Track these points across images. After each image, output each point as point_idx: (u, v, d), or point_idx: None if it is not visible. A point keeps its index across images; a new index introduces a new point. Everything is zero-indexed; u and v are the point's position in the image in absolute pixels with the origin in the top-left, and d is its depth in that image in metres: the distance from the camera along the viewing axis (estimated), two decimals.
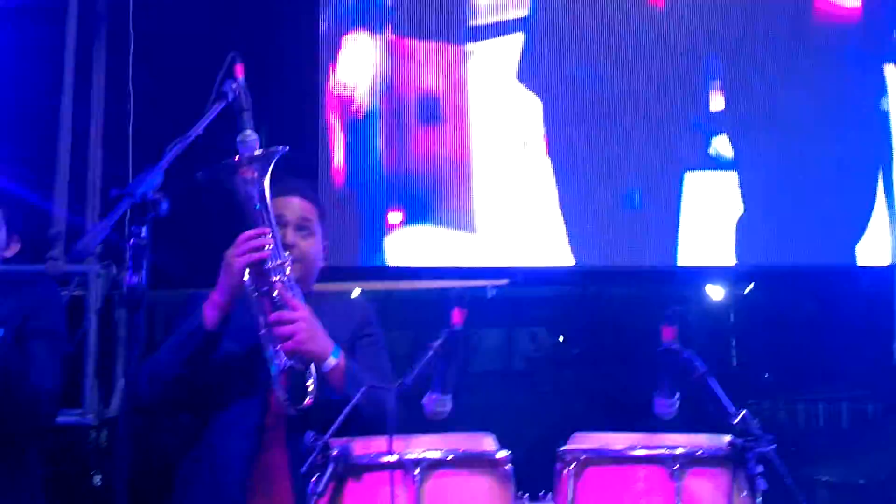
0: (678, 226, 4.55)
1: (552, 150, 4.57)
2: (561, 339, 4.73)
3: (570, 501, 1.94)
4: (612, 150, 4.58)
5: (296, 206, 2.36)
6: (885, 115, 4.60)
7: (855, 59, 4.62)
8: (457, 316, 1.90)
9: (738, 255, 4.58)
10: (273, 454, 2.21)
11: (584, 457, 1.96)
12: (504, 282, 4.59)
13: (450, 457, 1.86)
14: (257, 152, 2.17)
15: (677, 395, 2.04)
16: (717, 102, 4.66)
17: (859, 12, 4.65)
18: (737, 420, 1.91)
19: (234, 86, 2.20)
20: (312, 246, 2.38)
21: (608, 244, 4.56)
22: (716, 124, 4.65)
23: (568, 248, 4.51)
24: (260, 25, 4.46)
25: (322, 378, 2.15)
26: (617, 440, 1.97)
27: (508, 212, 4.51)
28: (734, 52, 4.62)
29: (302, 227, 2.36)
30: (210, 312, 2.15)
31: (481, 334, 4.71)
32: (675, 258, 4.54)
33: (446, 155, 4.57)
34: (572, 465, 1.96)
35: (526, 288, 4.64)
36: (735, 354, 5.01)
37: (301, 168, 2.29)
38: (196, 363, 2.15)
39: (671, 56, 4.62)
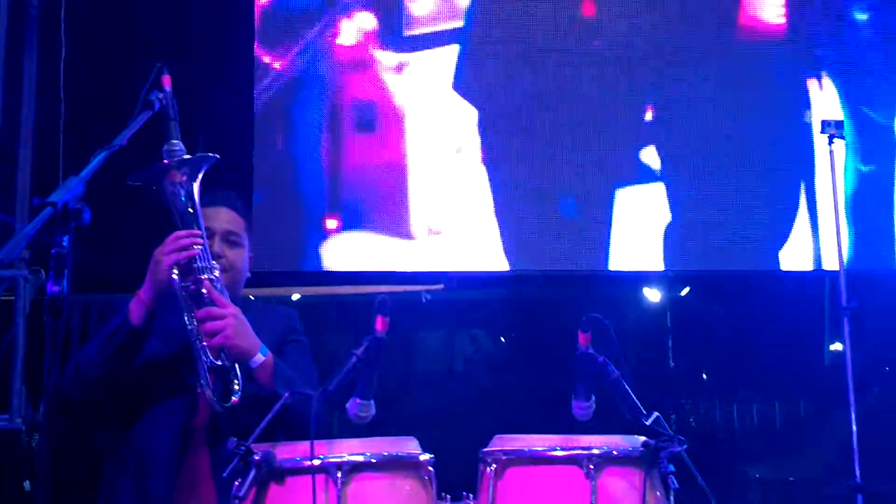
0: (610, 232, 4.66)
1: (487, 158, 4.65)
2: (502, 339, 4.81)
3: (491, 501, 1.99)
4: (545, 158, 4.68)
5: (223, 216, 2.39)
6: (807, 128, 4.76)
7: (779, 73, 4.78)
8: (379, 323, 1.95)
9: (667, 261, 4.69)
10: (198, 456, 2.23)
11: (504, 458, 2.02)
12: (439, 286, 4.65)
13: (372, 460, 1.90)
14: (187, 157, 2.20)
15: (593, 398, 2.11)
16: (647, 114, 4.78)
17: (783, 28, 4.80)
18: (650, 421, 1.98)
19: (160, 96, 2.22)
20: (240, 256, 2.41)
21: (542, 250, 4.65)
22: (645, 135, 4.78)
23: (503, 254, 4.59)
24: (196, 30, 4.46)
25: (249, 375, 2.17)
26: (536, 441, 2.03)
27: (444, 218, 4.57)
28: (663, 65, 4.74)
29: (229, 237, 2.38)
30: (136, 309, 2.17)
31: (415, 338, 4.76)
32: (606, 263, 4.65)
33: (382, 162, 4.62)
34: (493, 466, 2.02)
35: (462, 292, 4.70)
36: (671, 356, 5.13)
37: (233, 175, 2.32)
38: (121, 360, 2.16)
39: (603, 67, 4.73)
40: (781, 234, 4.73)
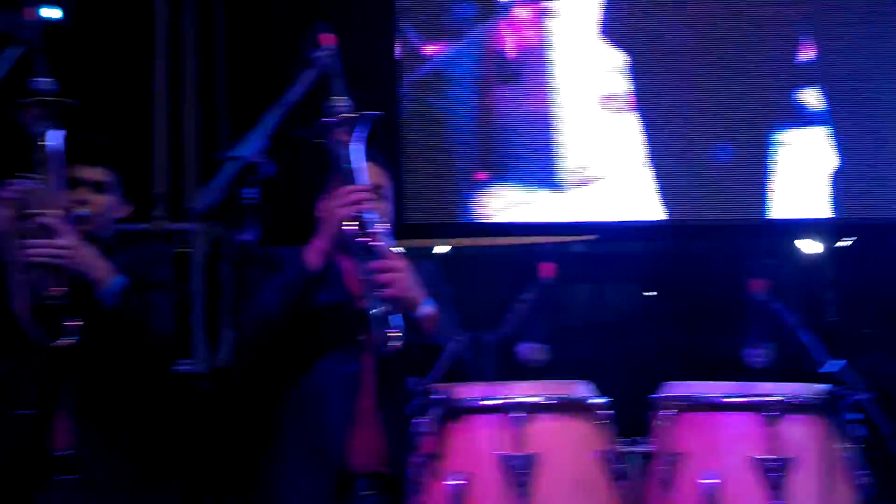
0: (768, 179, 4.50)
1: (639, 105, 4.55)
2: (651, 294, 4.73)
3: (665, 447, 1.99)
4: (699, 103, 4.54)
5: (373, 172, 2.45)
6: None
7: None
8: (546, 270, 1.96)
9: (832, 209, 4.50)
10: (366, 398, 2.33)
11: (679, 403, 2.01)
12: (593, 237, 4.61)
13: (551, 402, 1.93)
14: (353, 115, 2.25)
15: (767, 345, 2.07)
16: (808, 53, 4.56)
17: None
18: (831, 370, 1.93)
19: (324, 52, 2.27)
20: (386, 208, 2.47)
21: (697, 198, 4.54)
22: (806, 74, 4.56)
23: (657, 203, 4.50)
24: None
25: (413, 324, 2.24)
26: (710, 388, 2.01)
27: (595, 167, 4.52)
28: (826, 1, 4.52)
29: (378, 190, 2.45)
30: (313, 257, 2.27)
31: (571, 289, 4.75)
32: (765, 212, 4.50)
33: (530, 113, 4.59)
34: (669, 412, 2.01)
35: (616, 242, 4.66)
36: (831, 308, 4.93)
37: (382, 129, 2.35)
38: (298, 306, 2.26)
39: (761, 5, 4.54)
40: None
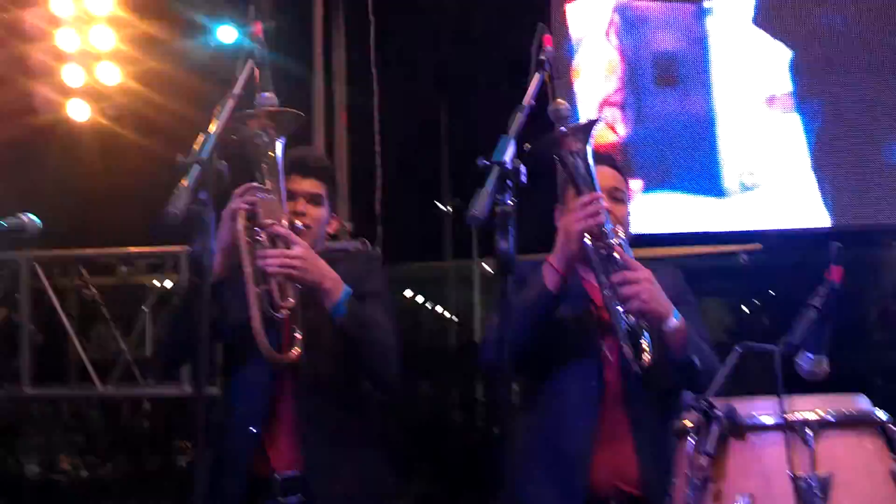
0: None
1: (800, 105, 4.36)
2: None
3: None
4: (867, 101, 4.34)
5: (608, 174, 2.34)
6: None
7: None
8: (835, 273, 1.82)
9: None
10: (613, 414, 2.21)
11: None
12: (757, 246, 4.43)
13: (836, 417, 1.78)
14: (581, 122, 2.16)
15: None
16: None
17: None
18: None
19: (547, 55, 2.19)
20: (624, 212, 2.36)
21: (867, 203, 4.32)
22: None
23: (823, 209, 4.30)
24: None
25: (661, 338, 2.11)
26: None
27: (758, 172, 4.34)
28: None
29: (615, 193, 2.33)
30: (551, 277, 2.17)
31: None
32: None
33: (687, 116, 4.44)
34: None
35: (782, 251, 4.46)
36: None
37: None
38: (540, 327, 2.16)
39: None
40: None
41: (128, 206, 5.07)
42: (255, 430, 2.23)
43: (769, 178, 4.35)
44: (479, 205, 1.74)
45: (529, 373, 2.29)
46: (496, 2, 4.49)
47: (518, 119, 2.00)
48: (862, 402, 1.86)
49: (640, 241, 4.40)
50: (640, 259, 2.25)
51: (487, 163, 1.82)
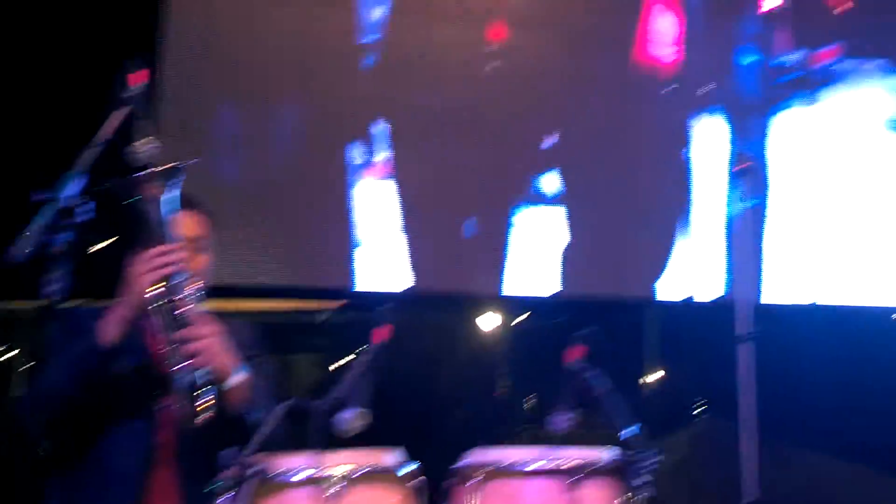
0: (507, 255, 4.79)
1: (391, 174, 4.69)
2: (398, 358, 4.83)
3: None
4: (449, 178, 4.76)
5: (191, 221, 2.33)
6: (691, 161, 5.08)
7: (668, 109, 5.09)
8: (381, 333, 1.97)
9: (563, 285, 4.87)
10: (165, 471, 2.17)
11: (483, 470, 2.08)
12: (340, 303, 4.62)
13: (363, 471, 1.92)
14: (166, 166, 2.13)
15: (573, 411, 2.21)
16: (549, 138, 4.95)
17: (675, 67, 5.12)
18: (627, 434, 2.10)
19: (134, 92, 2.16)
20: (206, 262, 2.36)
21: (443, 270, 4.72)
22: (549, 159, 4.94)
23: (408, 273, 4.63)
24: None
25: (224, 394, 2.13)
26: (514, 454, 2.10)
27: (343, 234, 4.55)
28: (566, 93, 4.95)
29: (197, 243, 2.33)
30: (111, 329, 2.08)
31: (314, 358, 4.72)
32: (502, 285, 4.77)
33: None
34: (472, 480, 2.07)
35: (362, 311, 4.70)
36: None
37: None
38: (88, 382, 2.06)
39: (510, 91, 4.88)
40: (664, 264, 5.01)
41: None
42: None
43: (371, 242, 4.58)
44: (24, 242, 1.65)
45: (73, 430, 2.16)
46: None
47: (89, 155, 1.94)
48: (392, 457, 2.02)
49: (227, 292, 4.43)
50: (220, 311, 2.26)
51: (42, 198, 1.74)
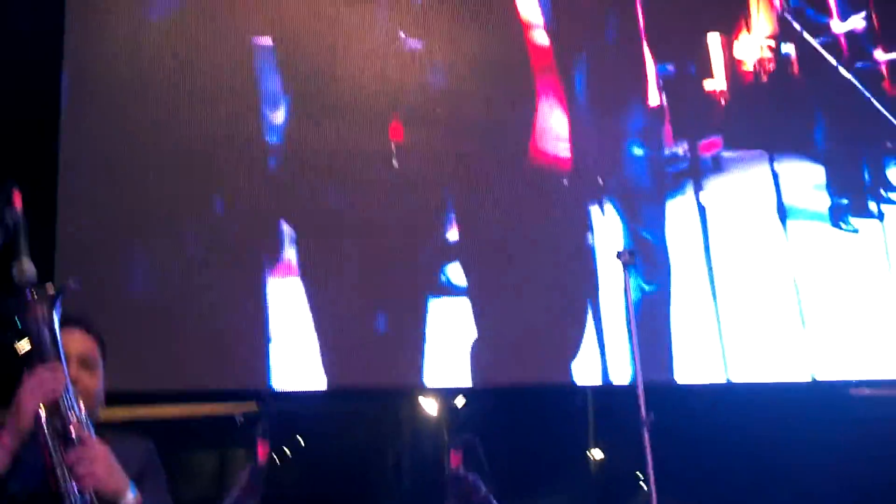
0: (423, 347, 4.82)
1: (300, 272, 4.70)
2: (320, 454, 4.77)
3: None
4: (358, 275, 4.80)
5: (78, 339, 2.32)
6: (591, 250, 5.23)
7: (565, 201, 5.26)
8: (261, 451, 1.97)
9: (473, 376, 4.90)
10: None
11: None
12: (251, 404, 4.56)
13: None
14: (51, 290, 2.12)
15: None
16: (452, 233, 5.06)
17: (569, 161, 5.32)
18: None
19: (12, 213, 2.16)
20: (96, 380, 2.33)
21: (358, 366, 4.71)
22: (451, 252, 5.03)
23: (320, 370, 4.61)
24: None
25: None
26: None
27: (258, 333, 4.53)
28: (465, 189, 5.08)
29: (85, 361, 2.31)
30: None
31: (226, 459, 4.62)
32: (421, 378, 4.79)
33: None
34: None
35: (279, 410, 4.64)
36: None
37: None
38: None
39: (412, 188, 4.98)
40: (573, 348, 5.10)
41: None
42: None
43: (267, 339, 4.56)
44: None
45: None
46: None
47: None
48: None
49: (129, 398, 4.29)
50: (122, 420, 2.25)
51: None
